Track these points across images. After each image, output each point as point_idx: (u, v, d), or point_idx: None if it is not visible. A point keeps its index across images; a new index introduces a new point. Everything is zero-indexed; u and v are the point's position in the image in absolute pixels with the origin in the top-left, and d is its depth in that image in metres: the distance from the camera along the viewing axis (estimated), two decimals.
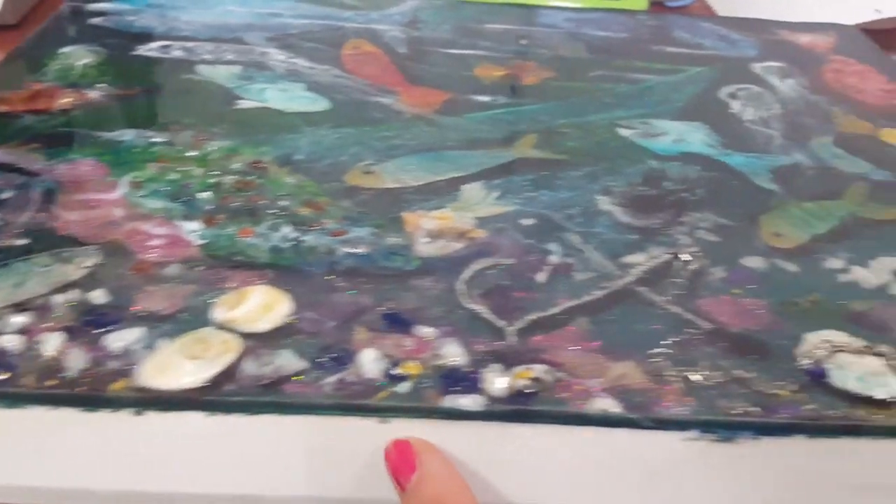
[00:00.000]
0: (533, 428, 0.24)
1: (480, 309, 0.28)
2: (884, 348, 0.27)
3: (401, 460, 0.24)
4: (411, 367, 0.25)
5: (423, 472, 0.23)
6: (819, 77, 0.49)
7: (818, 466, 0.25)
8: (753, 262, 0.32)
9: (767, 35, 0.55)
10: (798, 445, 0.25)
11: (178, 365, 0.24)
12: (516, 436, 0.24)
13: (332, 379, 0.24)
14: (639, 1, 0.69)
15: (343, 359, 0.25)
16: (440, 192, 0.35)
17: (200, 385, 0.24)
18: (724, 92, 0.46)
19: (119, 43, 0.47)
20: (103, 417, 0.24)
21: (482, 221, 0.33)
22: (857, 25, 0.63)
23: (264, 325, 0.26)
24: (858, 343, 0.27)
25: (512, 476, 0.25)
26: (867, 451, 0.25)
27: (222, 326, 0.26)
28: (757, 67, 0.50)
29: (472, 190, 0.35)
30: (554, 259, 0.31)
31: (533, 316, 0.28)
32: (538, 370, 0.25)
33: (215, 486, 0.25)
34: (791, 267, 0.32)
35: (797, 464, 0.25)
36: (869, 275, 0.31)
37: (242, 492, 0.25)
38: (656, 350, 0.27)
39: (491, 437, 0.24)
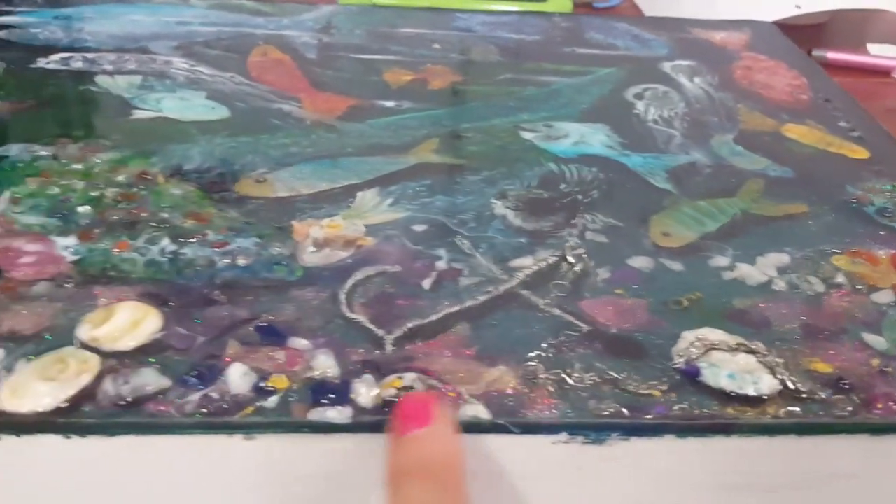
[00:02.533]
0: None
1: (360, 318, 0.28)
2: (757, 345, 0.27)
3: (419, 409, 0.23)
4: (279, 381, 0.25)
5: (433, 431, 0.22)
6: (728, 74, 0.50)
7: (689, 466, 0.25)
8: (639, 262, 0.32)
9: (681, 34, 0.56)
10: (668, 445, 0.25)
11: (32, 387, 0.23)
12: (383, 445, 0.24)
13: (195, 397, 0.24)
14: (563, 3, 0.70)
15: (209, 375, 0.25)
16: (333, 200, 0.35)
17: (56, 407, 0.23)
18: (630, 93, 0.47)
19: (19, 56, 0.46)
20: None
21: (372, 229, 0.33)
22: (777, 22, 0.64)
23: (130, 342, 0.25)
24: (733, 340, 0.27)
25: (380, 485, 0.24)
26: (737, 450, 0.25)
27: (85, 345, 0.25)
28: (666, 67, 0.50)
29: (365, 197, 0.35)
30: (441, 265, 0.31)
31: (412, 324, 0.28)
32: (409, 379, 0.25)
33: None
34: (676, 266, 0.32)
35: (668, 464, 0.25)
36: (754, 272, 0.32)
37: None
38: (532, 354, 0.27)
39: (362, 449, 0.24)
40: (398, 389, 0.24)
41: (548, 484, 0.25)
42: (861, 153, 0.42)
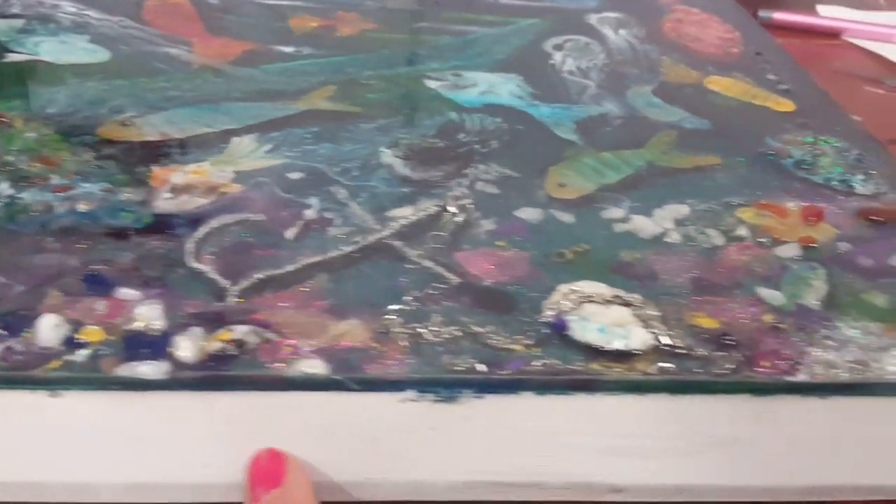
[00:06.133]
0: (230, 395, 0.22)
1: (206, 268, 0.25)
2: (634, 297, 0.25)
3: (269, 471, 0.22)
4: (92, 334, 0.22)
5: (285, 491, 0.22)
6: (657, 27, 0.48)
7: (551, 426, 0.23)
8: (529, 213, 0.30)
9: None
10: (527, 403, 0.23)
11: None
12: (211, 404, 0.22)
13: None
14: None
15: (16, 326, 0.22)
16: (206, 146, 0.32)
17: None
18: (549, 44, 0.44)
19: None
20: None
21: (242, 176, 0.30)
22: None
23: None
24: (609, 293, 0.25)
25: (209, 449, 0.22)
26: (605, 409, 0.23)
27: None
28: (593, 19, 0.48)
29: (241, 143, 0.32)
30: (310, 214, 0.29)
31: (262, 274, 0.25)
32: (240, 331, 0.22)
33: None
34: (567, 217, 0.30)
35: (529, 424, 0.23)
36: (648, 224, 0.29)
37: None
38: (393, 307, 0.25)
39: (181, 407, 0.22)
40: (226, 342, 0.22)
41: (399, 445, 0.23)
42: (787, 106, 0.40)
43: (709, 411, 0.23)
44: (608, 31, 0.46)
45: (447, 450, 0.23)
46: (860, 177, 0.34)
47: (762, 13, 0.65)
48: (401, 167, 0.32)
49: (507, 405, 0.23)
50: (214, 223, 0.27)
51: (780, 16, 0.66)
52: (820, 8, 0.69)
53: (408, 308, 0.25)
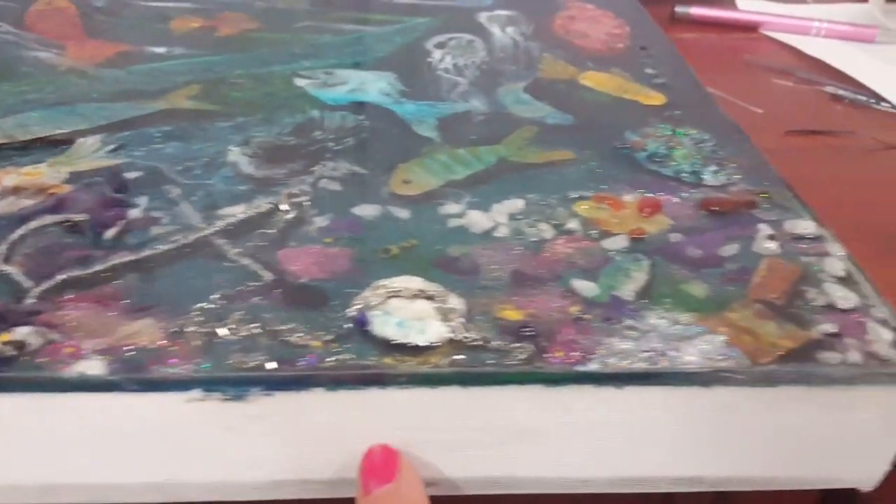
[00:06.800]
0: (7, 397, 0.22)
1: (11, 270, 0.25)
2: (437, 290, 0.25)
3: (382, 465, 0.23)
4: None
5: (398, 486, 0.22)
6: (547, 24, 0.48)
7: (346, 422, 0.23)
8: (366, 210, 0.30)
9: None
10: (319, 399, 0.23)
11: None
12: None
13: None
14: None
15: None
16: (49, 147, 0.32)
17: None
18: (431, 42, 0.44)
19: None
20: None
21: (77, 176, 0.30)
22: None
23: None
24: (416, 287, 0.25)
25: None
26: (400, 403, 0.23)
27: None
28: (482, 17, 0.48)
29: (84, 143, 0.32)
30: (135, 213, 0.28)
31: (65, 275, 0.25)
32: (21, 333, 0.22)
33: None
34: (403, 214, 0.30)
35: (322, 420, 0.23)
36: (482, 218, 0.29)
37: None
38: (197, 306, 0.24)
39: None
40: (3, 344, 0.22)
41: (193, 446, 0.23)
42: (657, 99, 0.40)
43: (504, 403, 0.23)
44: (495, 29, 0.46)
45: (245, 449, 0.23)
46: (713, 168, 0.34)
47: (679, 8, 0.66)
48: (245, 165, 0.32)
49: (299, 402, 0.22)
50: (33, 224, 0.27)
51: (697, 11, 0.66)
52: (739, 2, 0.70)
53: (212, 307, 0.24)
